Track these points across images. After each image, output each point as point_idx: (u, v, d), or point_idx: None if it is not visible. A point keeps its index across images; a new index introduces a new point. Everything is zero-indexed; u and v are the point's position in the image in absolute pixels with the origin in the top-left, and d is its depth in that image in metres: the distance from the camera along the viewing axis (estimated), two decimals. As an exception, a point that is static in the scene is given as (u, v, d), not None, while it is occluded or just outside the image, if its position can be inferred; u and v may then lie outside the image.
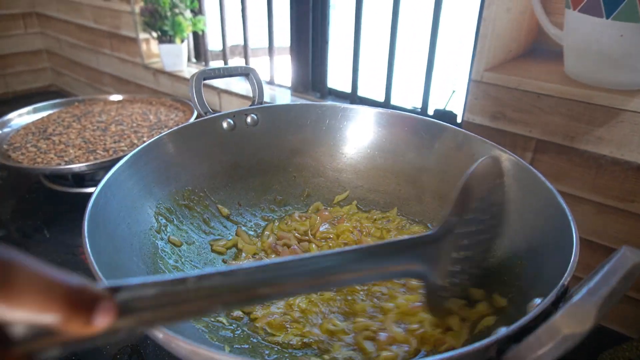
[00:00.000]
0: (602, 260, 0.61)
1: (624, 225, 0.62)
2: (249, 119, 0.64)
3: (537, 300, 0.32)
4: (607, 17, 0.55)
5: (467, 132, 0.58)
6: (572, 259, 0.35)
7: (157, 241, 0.49)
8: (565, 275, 0.33)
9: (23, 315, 0.19)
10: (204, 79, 0.62)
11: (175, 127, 0.57)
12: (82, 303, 0.21)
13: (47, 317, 0.20)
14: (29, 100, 1.71)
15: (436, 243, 0.36)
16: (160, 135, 0.55)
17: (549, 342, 0.24)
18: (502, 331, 0.28)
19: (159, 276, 0.41)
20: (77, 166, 0.78)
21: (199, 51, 1.35)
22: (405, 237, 0.37)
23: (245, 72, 0.65)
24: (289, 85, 1.12)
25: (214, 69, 0.63)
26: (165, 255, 0.49)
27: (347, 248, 0.33)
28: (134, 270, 0.43)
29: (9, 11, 1.63)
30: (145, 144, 0.52)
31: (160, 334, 0.30)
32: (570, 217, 0.40)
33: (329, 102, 0.93)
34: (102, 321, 0.21)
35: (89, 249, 0.36)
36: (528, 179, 0.48)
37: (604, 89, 0.58)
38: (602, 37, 0.56)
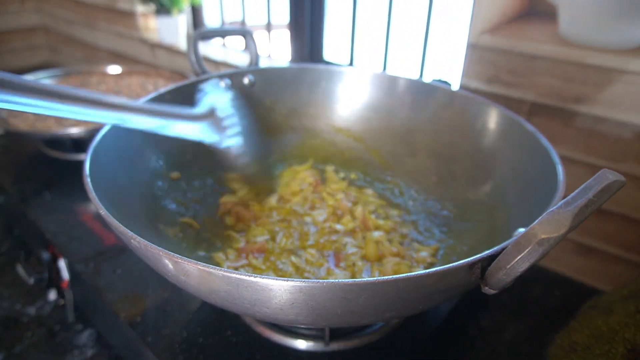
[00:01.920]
0: (596, 221, 0.63)
1: (613, 185, 0.63)
2: (245, 80, 0.65)
3: (521, 230, 0.33)
4: (601, -25, 0.55)
5: (456, 90, 0.59)
6: (557, 191, 0.36)
7: (157, 182, 0.51)
8: (551, 204, 0.35)
9: None
10: (202, 39, 0.62)
11: (174, 85, 0.57)
12: None
13: None
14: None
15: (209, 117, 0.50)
16: (160, 91, 0.55)
17: (527, 246, 0.25)
18: (488, 251, 0.29)
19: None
20: (75, 131, 0.78)
21: (197, 26, 1.35)
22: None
23: (243, 33, 0.66)
24: (287, 60, 1.12)
25: (211, 29, 0.63)
26: (164, 198, 0.50)
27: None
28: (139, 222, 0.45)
29: (5, -12, 1.62)
30: (146, 97, 0.53)
31: (169, 262, 0.31)
32: (555, 156, 0.41)
33: (324, 65, 0.94)
34: None
35: (91, 188, 0.37)
36: (517, 129, 0.50)
37: (597, 49, 0.59)
38: (595, -5, 0.57)
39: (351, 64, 1.02)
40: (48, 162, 0.86)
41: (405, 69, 0.99)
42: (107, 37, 1.46)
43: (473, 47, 0.70)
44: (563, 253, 0.72)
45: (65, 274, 0.63)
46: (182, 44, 1.24)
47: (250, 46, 0.66)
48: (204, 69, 0.62)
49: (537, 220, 0.25)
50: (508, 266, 0.26)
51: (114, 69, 1.11)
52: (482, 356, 0.60)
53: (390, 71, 0.95)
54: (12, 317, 0.66)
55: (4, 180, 0.83)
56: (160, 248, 0.30)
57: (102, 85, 1.00)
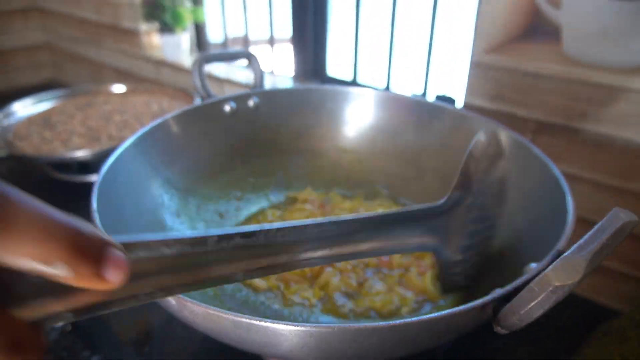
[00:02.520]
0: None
1: (621, 203, 0.63)
2: (250, 103, 0.65)
3: (533, 265, 0.33)
4: (605, -5, 0.55)
5: (464, 111, 0.58)
6: (567, 225, 0.36)
7: (164, 216, 0.50)
8: (561, 241, 0.34)
9: (22, 260, 0.16)
10: (206, 62, 0.62)
11: (179, 110, 0.58)
12: (91, 249, 0.17)
13: (50, 264, 0.17)
14: (31, 94, 1.73)
15: (447, 214, 0.37)
16: (165, 117, 0.56)
17: (541, 294, 0.25)
18: (498, 291, 0.29)
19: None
20: (82, 154, 0.79)
21: (200, 43, 1.36)
22: (417, 206, 0.37)
23: (247, 56, 0.66)
24: (290, 75, 1.13)
25: (216, 53, 0.64)
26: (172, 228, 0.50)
27: (363, 215, 0.32)
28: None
29: (9, 7, 1.64)
30: (150, 125, 0.53)
31: (173, 301, 0.31)
32: (565, 186, 0.41)
33: (329, 86, 0.94)
34: (114, 275, 0.18)
35: (98, 223, 0.37)
36: (524, 153, 0.49)
37: (602, 68, 0.59)
38: (598, 14, 0.56)
39: (355, 79, 1.02)
40: (54, 185, 0.87)
41: (409, 84, 0.99)
42: (111, 54, 1.47)
43: (477, 65, 0.70)
44: (572, 271, 0.71)
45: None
46: (185, 61, 1.25)
47: (254, 68, 0.67)
48: (210, 93, 0.62)
49: (550, 267, 0.25)
50: (522, 312, 0.26)
51: (119, 88, 1.12)
52: (493, 379, 0.60)
53: (394, 88, 0.95)
54: (19, 343, 0.66)
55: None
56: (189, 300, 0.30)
57: (108, 105, 1.01)
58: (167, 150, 0.55)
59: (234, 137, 0.64)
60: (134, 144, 0.50)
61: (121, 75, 1.49)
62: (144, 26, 1.28)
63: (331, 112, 0.67)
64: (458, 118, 0.60)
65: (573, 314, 0.68)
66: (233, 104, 0.63)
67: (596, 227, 0.27)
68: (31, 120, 0.94)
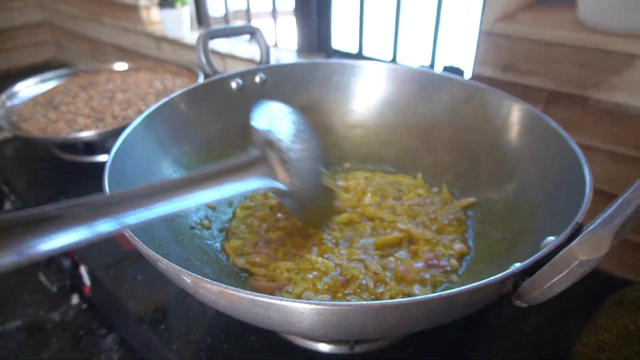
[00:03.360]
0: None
1: (638, 173, 0.62)
2: (257, 79, 0.64)
3: (551, 238, 0.32)
4: (623, -43, 0.53)
5: (476, 82, 0.57)
6: (585, 197, 0.35)
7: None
8: (579, 213, 0.34)
9: None
10: (211, 39, 0.61)
11: (186, 88, 0.57)
12: None
13: None
14: (33, 74, 1.71)
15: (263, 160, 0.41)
16: (172, 95, 0.55)
17: (565, 268, 0.24)
18: (517, 266, 0.29)
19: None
20: (87, 134, 0.78)
21: (201, 17, 1.33)
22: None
23: (251, 31, 0.64)
24: (294, 48, 1.10)
25: (220, 29, 0.62)
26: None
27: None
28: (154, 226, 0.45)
29: (6, -16, 1.60)
30: (157, 104, 0.52)
31: (188, 279, 0.31)
32: (582, 159, 0.40)
33: (335, 60, 0.92)
34: None
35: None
36: (540, 127, 0.48)
37: (618, 34, 0.57)
38: (617, -21, 0.54)
39: (360, 52, 1.00)
40: (61, 165, 0.87)
41: (416, 54, 0.97)
42: (112, 31, 1.45)
43: (487, 35, 0.68)
44: (583, 242, 0.71)
45: (86, 280, 0.63)
46: (186, 36, 1.23)
47: (259, 43, 0.65)
48: (215, 69, 0.61)
49: (575, 241, 0.24)
50: (545, 286, 0.26)
51: (121, 66, 1.10)
52: (503, 348, 0.60)
53: (401, 60, 0.93)
54: (37, 323, 0.67)
55: (19, 185, 0.84)
56: (188, 272, 0.30)
57: (110, 83, 0.99)
58: (175, 130, 0.55)
59: (242, 114, 0.62)
60: (142, 124, 0.49)
61: (122, 52, 1.47)
62: (143, 1, 1.25)
63: (338, 86, 0.66)
64: (468, 89, 0.58)
65: (582, 283, 0.68)
66: (239, 81, 0.62)
67: (620, 199, 0.26)
68: (35, 101, 0.93)
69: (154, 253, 0.33)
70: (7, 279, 0.75)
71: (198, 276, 0.30)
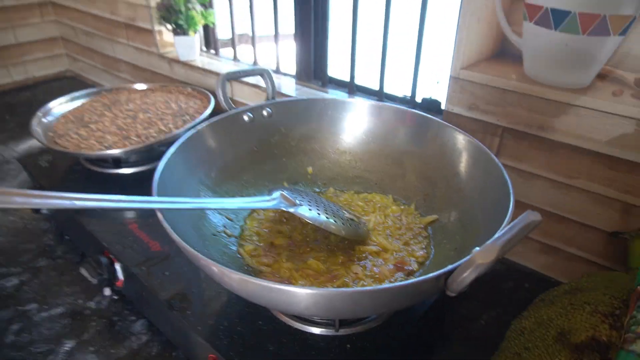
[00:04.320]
0: (558, 226, 0.77)
1: (570, 197, 0.77)
2: (264, 112, 0.78)
3: (477, 249, 0.46)
4: (555, 29, 0.68)
5: (442, 121, 0.72)
6: (505, 221, 0.50)
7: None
8: (498, 232, 0.48)
9: None
10: (227, 80, 0.75)
11: (209, 121, 0.71)
12: None
13: None
14: (48, 85, 1.84)
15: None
16: (198, 128, 0.68)
17: (469, 268, 0.38)
18: (448, 267, 0.43)
19: None
20: (116, 151, 0.92)
21: (209, 40, 1.47)
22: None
23: (260, 73, 0.78)
24: (293, 72, 1.24)
25: (235, 72, 0.76)
26: (211, 219, 0.64)
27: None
28: (185, 229, 0.58)
29: (26, 1, 1.73)
30: (187, 134, 0.66)
31: (215, 268, 0.45)
32: (510, 189, 0.54)
33: (330, 96, 1.06)
34: None
35: (161, 217, 0.51)
36: (485, 159, 0.63)
37: (555, 87, 0.72)
38: (551, 45, 0.69)
39: (352, 80, 1.14)
40: (89, 176, 1.00)
41: (401, 86, 1.12)
42: (126, 50, 1.58)
43: (455, 79, 0.82)
44: (531, 252, 0.86)
45: (120, 275, 0.77)
46: (197, 59, 1.36)
47: (267, 82, 0.79)
48: (231, 105, 0.75)
49: (476, 250, 0.38)
50: (459, 279, 0.40)
51: (139, 86, 1.24)
52: (459, 338, 0.74)
53: (388, 88, 1.08)
54: (77, 310, 0.80)
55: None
56: (219, 264, 0.44)
57: (131, 103, 1.13)
58: (200, 155, 0.68)
59: (251, 141, 0.77)
60: (177, 150, 0.63)
61: (136, 70, 1.60)
62: (157, 26, 1.39)
63: (332, 119, 0.80)
64: (434, 126, 0.73)
65: (530, 287, 0.83)
66: (250, 114, 0.76)
67: (512, 223, 0.40)
68: (66, 118, 1.06)
69: (196, 251, 0.46)
70: (48, 273, 0.88)
71: (224, 267, 0.44)
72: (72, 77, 1.93)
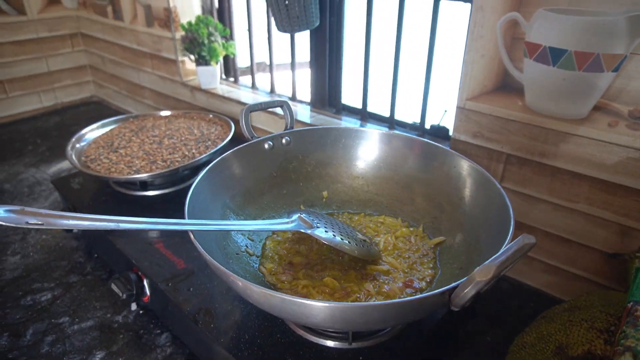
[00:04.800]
0: (560, 247, 0.81)
1: (571, 220, 0.81)
2: (283, 140, 0.84)
3: (478, 268, 0.51)
4: (554, 65, 0.73)
5: (448, 149, 0.77)
6: (505, 243, 0.54)
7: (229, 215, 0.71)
8: (499, 252, 0.53)
9: None
10: (250, 112, 0.82)
11: (233, 149, 0.77)
12: None
13: None
14: (75, 110, 1.95)
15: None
16: (223, 155, 0.75)
17: (470, 285, 0.43)
18: (452, 284, 0.48)
19: None
20: (144, 176, 0.98)
21: (229, 69, 1.55)
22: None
23: (281, 104, 0.85)
24: (308, 99, 1.31)
25: (257, 104, 0.82)
26: (234, 239, 0.70)
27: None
28: (212, 248, 0.64)
29: (58, 32, 1.85)
30: (214, 162, 0.72)
31: (240, 282, 0.50)
32: (511, 213, 0.59)
33: (344, 126, 1.12)
34: None
35: (193, 237, 0.56)
36: (488, 184, 0.68)
37: (554, 117, 0.77)
38: (550, 79, 0.75)
39: (365, 107, 1.20)
40: (117, 197, 1.06)
41: (411, 111, 1.18)
42: (150, 78, 1.67)
43: (461, 109, 0.88)
44: (536, 271, 0.90)
45: (147, 290, 0.82)
46: (218, 88, 1.45)
47: (286, 113, 0.86)
48: (253, 135, 0.81)
49: (476, 270, 0.43)
50: (461, 295, 0.44)
51: (164, 113, 1.32)
52: (467, 354, 0.78)
53: (397, 117, 1.14)
54: (105, 323, 0.85)
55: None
56: (243, 279, 0.49)
57: (156, 129, 1.21)
58: (224, 180, 0.75)
59: (271, 167, 0.83)
60: (205, 176, 0.69)
61: (159, 96, 1.69)
62: (181, 57, 1.48)
63: (346, 146, 0.86)
64: (440, 153, 0.78)
65: (535, 305, 0.87)
66: (270, 142, 0.82)
67: (508, 246, 0.45)
68: (97, 143, 1.14)
69: (224, 268, 0.52)
70: (79, 289, 0.94)
71: (248, 282, 0.49)
72: (97, 102, 2.03)
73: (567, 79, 0.73)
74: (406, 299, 0.46)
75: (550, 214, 0.83)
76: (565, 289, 0.86)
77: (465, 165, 0.74)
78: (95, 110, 1.94)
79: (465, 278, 0.47)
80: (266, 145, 0.82)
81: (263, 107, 0.83)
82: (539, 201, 0.84)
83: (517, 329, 0.67)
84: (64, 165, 1.47)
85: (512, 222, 0.58)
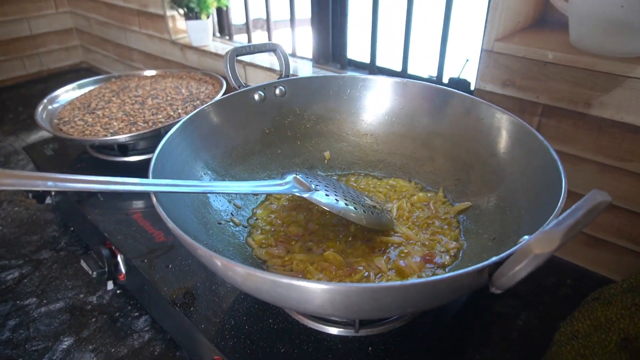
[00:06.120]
0: (606, 215, 0.67)
1: (622, 183, 0.68)
2: (277, 91, 0.71)
3: (526, 237, 0.38)
4: (609, -12, 0.59)
5: (475, 97, 0.63)
6: (558, 205, 0.41)
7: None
8: (551, 217, 0.40)
9: None
10: (236, 56, 0.68)
11: (215, 99, 0.64)
12: None
13: None
14: (63, 77, 1.82)
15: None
16: (203, 106, 0.62)
17: (523, 260, 0.31)
18: (493, 259, 0.35)
19: None
20: (122, 137, 0.86)
21: (223, 26, 1.41)
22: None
23: (272, 48, 0.72)
24: (310, 57, 1.17)
25: (244, 46, 0.69)
26: (215, 206, 0.57)
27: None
28: (186, 217, 0.52)
29: (40, -8, 1.71)
30: (191, 114, 0.59)
31: (219, 262, 0.38)
32: (561, 169, 0.46)
33: (348, 74, 0.99)
34: None
35: (155, 201, 0.44)
36: (527, 138, 0.54)
37: (605, 57, 0.63)
38: (604, 6, 0.60)
39: (373, 62, 1.06)
40: (95, 164, 0.95)
41: (425, 66, 1.03)
42: (139, 38, 1.54)
43: (488, 53, 0.74)
44: (576, 245, 0.77)
45: (122, 268, 0.71)
46: (210, 45, 1.31)
47: (279, 58, 0.72)
48: (240, 83, 0.68)
49: (531, 237, 0.31)
50: (509, 274, 0.32)
51: (149, 73, 1.18)
52: (495, 341, 0.66)
53: (411, 70, 1.00)
54: (77, 305, 0.75)
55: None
56: (221, 257, 0.37)
57: (140, 89, 1.08)
58: (205, 136, 0.62)
59: (263, 122, 0.70)
60: (178, 131, 0.57)
61: (148, 58, 1.56)
62: (169, 12, 1.33)
63: (351, 98, 0.73)
64: (467, 103, 0.65)
65: (573, 284, 0.74)
66: (262, 93, 0.69)
67: (575, 205, 0.32)
68: (73, 105, 1.02)
69: (194, 241, 0.40)
70: (50, 266, 0.83)
71: (228, 260, 0.37)
72: (87, 68, 1.90)
73: (626, 5, 0.58)
74: (431, 278, 0.34)
75: (596, 175, 0.70)
76: (612, 265, 0.74)
77: (497, 116, 0.60)
78: (84, 77, 1.81)
79: (512, 249, 0.34)
80: (256, 96, 0.69)
81: (252, 51, 0.70)
82: (583, 161, 0.71)
83: (552, 312, 0.55)
84: (45, 134, 1.36)
85: (563, 182, 0.45)
